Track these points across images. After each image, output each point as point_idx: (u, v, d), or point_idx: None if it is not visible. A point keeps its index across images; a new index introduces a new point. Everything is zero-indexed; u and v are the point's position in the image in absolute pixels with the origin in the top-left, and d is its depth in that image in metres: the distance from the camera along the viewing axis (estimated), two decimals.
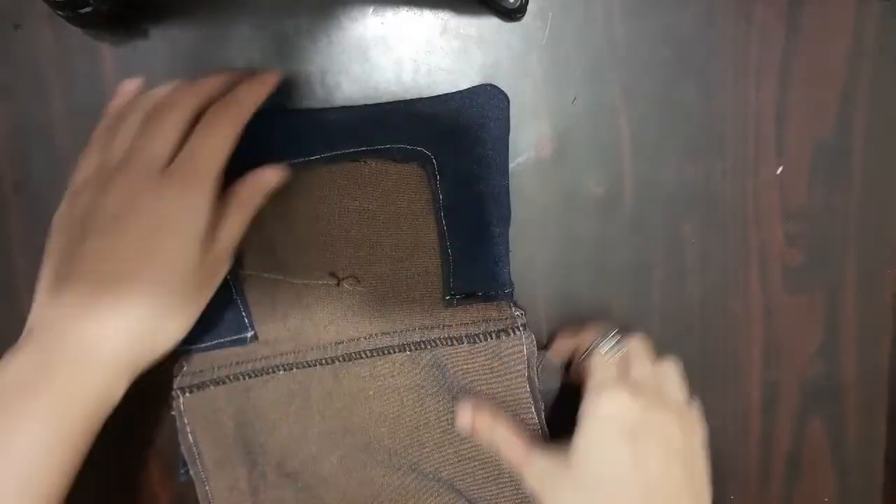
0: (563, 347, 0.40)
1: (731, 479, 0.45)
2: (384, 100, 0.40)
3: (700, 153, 0.43)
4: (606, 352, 0.37)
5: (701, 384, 0.44)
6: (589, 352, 0.37)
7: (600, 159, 0.42)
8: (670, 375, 0.37)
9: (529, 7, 0.40)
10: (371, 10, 0.40)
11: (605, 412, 0.33)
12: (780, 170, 0.43)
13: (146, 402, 0.41)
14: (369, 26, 0.40)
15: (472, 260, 0.39)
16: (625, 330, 0.38)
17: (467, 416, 0.37)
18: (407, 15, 0.40)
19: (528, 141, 0.41)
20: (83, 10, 0.35)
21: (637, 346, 0.37)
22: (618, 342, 0.37)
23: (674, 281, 0.43)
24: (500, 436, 0.36)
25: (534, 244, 0.42)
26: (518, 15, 0.40)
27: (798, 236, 0.44)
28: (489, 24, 0.40)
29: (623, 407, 0.33)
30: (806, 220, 0.44)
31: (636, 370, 0.36)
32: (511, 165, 0.41)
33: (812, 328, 0.45)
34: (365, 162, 0.39)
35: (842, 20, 0.42)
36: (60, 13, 0.35)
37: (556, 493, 0.33)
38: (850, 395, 0.45)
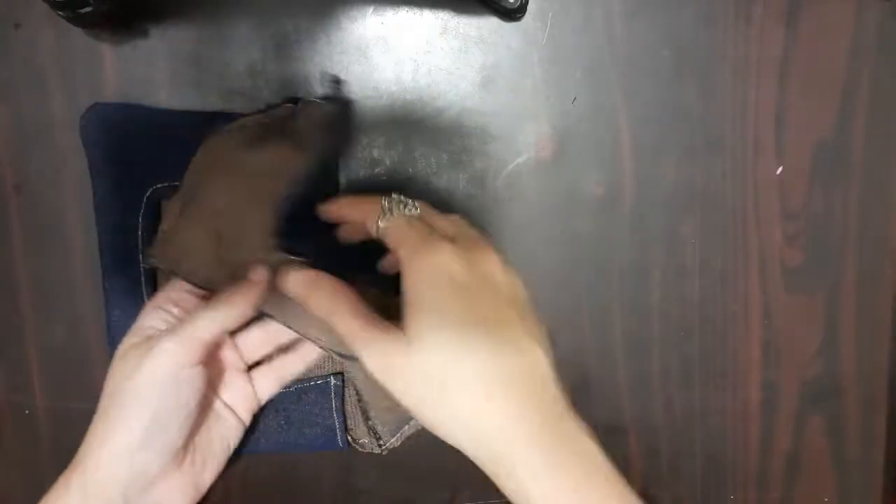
0: (351, 228, 0.36)
1: (731, 479, 0.45)
2: (384, 100, 0.40)
3: (700, 153, 0.43)
4: (403, 213, 0.33)
5: (701, 384, 0.44)
6: (385, 218, 0.33)
7: (600, 159, 0.42)
8: (463, 223, 0.34)
9: (529, 7, 0.40)
10: (371, 10, 0.40)
11: (431, 270, 0.30)
12: (779, 170, 0.43)
13: None
14: (369, 26, 0.40)
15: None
16: None
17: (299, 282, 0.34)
18: (407, 15, 0.40)
19: (528, 141, 0.41)
20: (83, 10, 0.35)
21: (424, 204, 0.34)
22: (408, 203, 0.34)
23: (674, 281, 0.43)
24: (339, 311, 0.32)
25: (534, 244, 0.42)
26: (518, 15, 0.40)
27: (798, 236, 0.44)
28: (489, 24, 0.40)
29: (446, 260, 0.30)
30: (806, 220, 0.44)
31: (437, 223, 0.33)
32: (511, 165, 0.41)
33: (812, 328, 0.45)
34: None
35: (842, 20, 0.42)
36: (60, 13, 0.35)
37: (397, 371, 0.30)
38: (849, 395, 0.45)
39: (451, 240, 0.31)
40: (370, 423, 0.40)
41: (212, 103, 0.39)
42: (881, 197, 0.44)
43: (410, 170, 0.41)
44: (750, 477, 0.46)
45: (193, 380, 0.33)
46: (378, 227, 0.33)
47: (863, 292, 0.45)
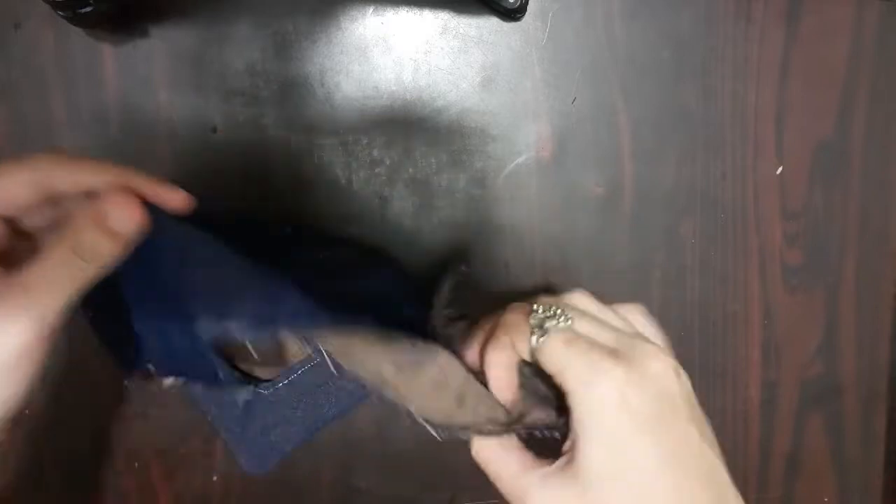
0: (496, 356, 0.29)
1: (731, 478, 0.45)
2: (384, 100, 0.40)
3: (700, 153, 0.43)
4: (557, 328, 0.28)
5: (701, 384, 0.44)
6: (537, 338, 0.28)
7: (600, 159, 0.42)
8: (621, 317, 0.31)
9: (529, 7, 0.40)
10: (371, 10, 0.40)
11: (603, 402, 0.26)
12: (779, 170, 0.43)
13: (146, 402, 0.41)
14: (369, 26, 0.40)
15: None
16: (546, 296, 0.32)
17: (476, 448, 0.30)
18: (407, 15, 0.40)
19: (528, 141, 0.41)
20: (83, 10, 0.35)
21: (582, 301, 0.30)
22: (557, 313, 0.29)
23: (674, 281, 0.43)
24: (495, 462, 0.29)
25: (534, 244, 0.42)
26: (518, 15, 0.40)
27: (798, 236, 0.44)
28: (489, 24, 0.40)
29: (618, 386, 0.26)
30: (806, 220, 0.44)
31: (602, 333, 0.29)
32: (511, 165, 0.41)
33: (812, 328, 0.45)
34: None
35: (842, 20, 0.42)
36: (61, 13, 0.35)
37: None
38: (849, 395, 0.45)
39: (616, 352, 0.27)
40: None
41: (212, 103, 0.39)
42: (881, 197, 0.44)
43: (410, 170, 0.41)
44: (750, 477, 0.46)
45: (36, 357, 0.25)
46: (530, 350, 0.28)
47: (863, 292, 0.45)
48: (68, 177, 0.27)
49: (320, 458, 0.43)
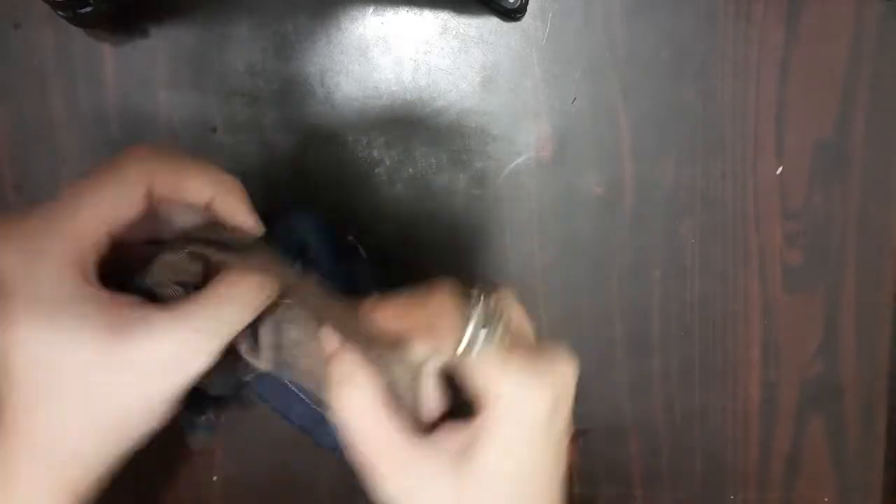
0: (417, 350, 0.26)
1: (731, 479, 0.45)
2: (384, 100, 0.40)
3: (700, 153, 0.43)
4: (494, 339, 0.25)
5: (701, 384, 0.44)
6: (469, 348, 0.25)
7: (600, 159, 0.42)
8: (527, 325, 0.28)
9: (529, 7, 0.40)
10: (371, 10, 0.40)
11: (527, 425, 0.25)
12: (779, 170, 0.43)
13: None
14: (369, 26, 0.40)
15: None
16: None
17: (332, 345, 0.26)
18: (407, 15, 0.40)
19: (528, 141, 0.41)
20: (83, 11, 0.35)
21: (510, 313, 0.26)
22: (497, 317, 0.25)
23: (674, 281, 0.43)
24: (359, 403, 0.25)
25: (534, 244, 0.42)
26: (518, 15, 0.40)
27: (798, 236, 0.44)
28: (489, 24, 0.40)
29: (545, 413, 0.25)
30: (806, 220, 0.44)
31: (522, 337, 0.27)
32: (511, 165, 0.41)
33: (812, 328, 0.45)
34: None
35: (842, 20, 0.42)
36: (61, 13, 0.35)
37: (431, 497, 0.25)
38: (849, 395, 0.45)
39: (544, 371, 0.25)
40: None
41: (212, 103, 0.39)
42: (881, 197, 0.44)
43: (410, 170, 0.41)
44: (750, 477, 0.46)
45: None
46: (457, 356, 0.25)
47: (863, 292, 0.45)
48: (174, 188, 0.25)
49: (320, 457, 0.43)
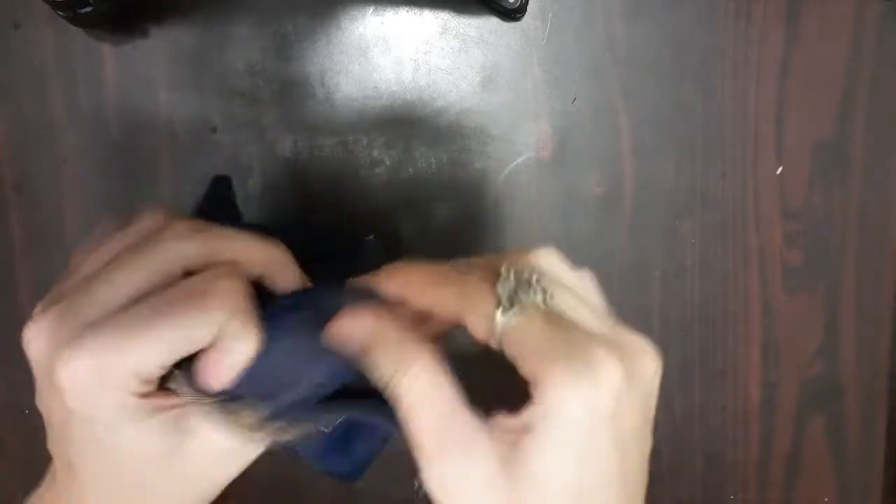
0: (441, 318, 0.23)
1: (731, 479, 0.45)
2: (384, 100, 0.40)
3: (700, 153, 0.43)
4: (535, 301, 0.22)
5: (701, 384, 0.44)
6: (506, 312, 0.21)
7: (600, 159, 0.42)
8: (588, 284, 0.25)
9: (529, 7, 0.40)
10: (371, 10, 0.40)
11: (594, 414, 0.20)
12: (779, 170, 0.43)
13: None
14: (369, 26, 0.40)
15: None
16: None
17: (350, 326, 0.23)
18: (407, 15, 0.40)
19: (528, 141, 0.41)
20: (83, 11, 0.35)
21: (555, 266, 0.24)
22: (535, 283, 0.22)
23: (674, 281, 0.43)
24: (424, 391, 0.22)
25: (534, 244, 0.42)
26: (518, 15, 0.40)
27: (798, 236, 0.44)
28: (489, 24, 0.40)
29: (619, 397, 0.21)
30: (806, 220, 0.44)
31: (583, 312, 0.23)
32: (511, 165, 0.41)
33: (812, 328, 0.45)
34: None
35: (842, 20, 0.42)
36: (61, 13, 0.35)
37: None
38: (849, 395, 0.45)
39: (608, 342, 0.22)
40: None
41: (212, 103, 0.39)
42: (881, 197, 0.44)
43: (410, 170, 0.41)
44: (750, 477, 0.46)
45: None
46: (494, 328, 0.21)
47: (863, 292, 0.45)
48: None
49: None
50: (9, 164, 0.40)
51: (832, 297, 0.45)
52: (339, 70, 0.40)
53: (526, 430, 0.20)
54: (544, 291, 0.22)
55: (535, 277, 0.22)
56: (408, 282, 0.23)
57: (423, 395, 0.22)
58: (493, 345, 0.22)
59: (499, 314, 0.21)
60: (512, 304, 0.21)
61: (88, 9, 0.35)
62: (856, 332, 0.45)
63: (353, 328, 0.22)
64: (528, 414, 0.20)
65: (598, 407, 0.20)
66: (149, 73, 0.39)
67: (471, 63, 0.41)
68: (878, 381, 0.45)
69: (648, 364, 0.23)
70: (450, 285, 0.22)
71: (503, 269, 0.22)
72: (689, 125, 0.42)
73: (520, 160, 0.42)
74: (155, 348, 0.21)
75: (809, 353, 0.45)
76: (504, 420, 0.21)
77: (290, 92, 0.40)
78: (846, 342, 0.45)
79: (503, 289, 0.22)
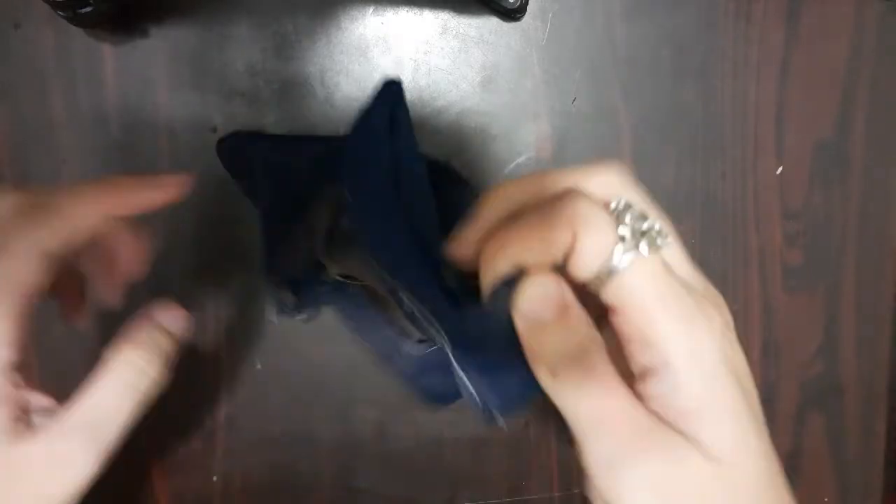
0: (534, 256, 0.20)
1: None
2: None
3: (700, 153, 0.43)
4: (656, 244, 0.20)
5: None
6: (625, 253, 0.19)
7: (600, 159, 0.42)
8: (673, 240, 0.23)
9: (529, 7, 0.40)
10: (371, 10, 0.40)
11: (716, 360, 0.21)
12: (779, 170, 0.43)
13: None
14: (369, 26, 0.40)
15: None
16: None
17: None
18: (407, 15, 0.40)
19: (528, 141, 0.41)
20: (83, 11, 0.35)
21: (646, 201, 0.22)
22: (654, 226, 0.20)
23: None
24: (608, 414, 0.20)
25: None
26: (518, 15, 0.40)
27: (798, 236, 0.44)
28: (489, 24, 0.40)
29: (723, 339, 0.21)
30: (806, 220, 0.44)
31: (681, 260, 0.23)
32: (511, 166, 0.41)
33: (812, 328, 0.45)
34: None
35: (842, 20, 0.42)
36: (61, 13, 0.35)
37: (691, 491, 0.20)
38: (850, 395, 0.45)
39: (707, 299, 0.22)
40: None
41: (212, 103, 0.39)
42: (881, 197, 0.44)
43: None
44: None
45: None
46: (608, 269, 0.19)
47: (863, 292, 0.45)
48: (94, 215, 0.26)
49: (320, 458, 0.43)
50: (9, 164, 0.40)
51: (832, 297, 0.45)
52: (339, 70, 0.40)
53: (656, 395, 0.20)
54: (660, 233, 0.20)
55: (653, 220, 0.20)
56: (508, 196, 0.21)
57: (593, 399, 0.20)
58: (591, 285, 0.20)
59: (619, 252, 0.19)
60: (637, 244, 0.19)
61: (88, 9, 0.35)
62: (856, 332, 0.45)
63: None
64: (653, 380, 0.20)
65: (720, 358, 0.20)
66: (149, 73, 0.39)
67: (471, 63, 0.41)
68: (878, 381, 0.45)
69: (729, 314, 0.23)
70: (560, 205, 0.19)
71: (614, 200, 0.20)
72: (689, 125, 0.42)
73: (520, 160, 0.42)
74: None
75: (809, 353, 0.45)
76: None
77: (290, 92, 0.40)
78: (846, 342, 0.45)
79: (626, 222, 0.19)
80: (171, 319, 0.28)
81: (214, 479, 0.42)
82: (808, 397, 0.45)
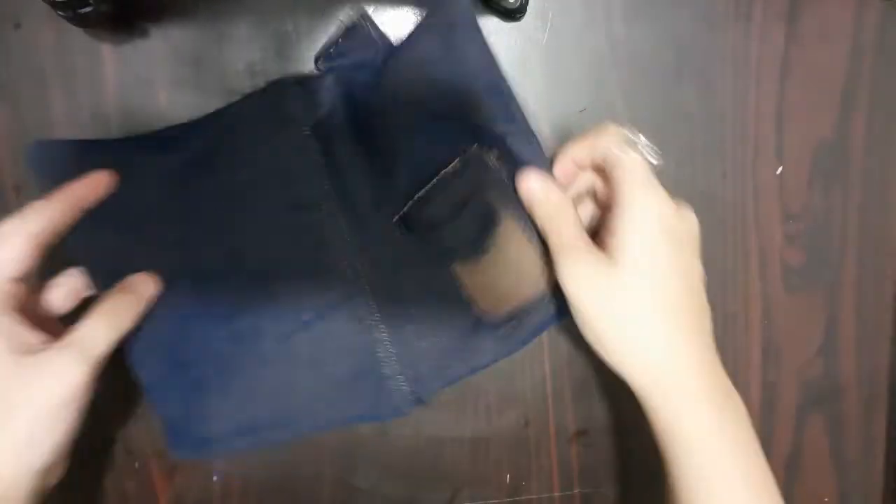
0: (578, 153, 0.36)
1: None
2: None
3: (700, 153, 0.43)
4: (644, 154, 0.35)
5: None
6: (626, 149, 0.34)
7: None
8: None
9: (529, 7, 0.40)
10: (371, 10, 0.40)
11: (652, 211, 0.33)
12: (779, 170, 0.43)
13: (146, 402, 0.41)
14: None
15: None
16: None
17: (536, 182, 0.35)
18: (407, 15, 0.40)
19: None
20: (83, 10, 0.35)
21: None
22: (651, 149, 0.35)
23: None
24: (557, 211, 0.35)
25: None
26: (518, 15, 0.40)
27: (798, 236, 0.44)
28: (489, 24, 0.40)
29: (666, 207, 0.33)
30: (806, 220, 0.44)
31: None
32: None
33: (812, 328, 0.45)
34: None
35: (842, 20, 0.42)
36: (61, 13, 0.35)
37: (595, 286, 0.33)
38: (850, 395, 0.45)
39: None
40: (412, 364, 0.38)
41: (212, 103, 0.39)
42: (881, 197, 0.44)
43: None
44: None
45: (88, 392, 0.32)
46: (613, 153, 0.34)
47: (863, 292, 0.45)
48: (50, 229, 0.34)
49: (320, 458, 0.43)
50: (9, 164, 0.40)
51: (832, 297, 0.45)
52: None
53: (621, 235, 0.33)
54: (651, 153, 0.35)
55: (651, 145, 0.35)
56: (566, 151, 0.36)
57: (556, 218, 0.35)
58: (607, 166, 0.35)
59: (624, 148, 0.34)
60: (635, 149, 0.34)
61: (88, 9, 0.35)
62: (856, 332, 0.45)
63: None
64: (621, 219, 0.33)
65: (664, 214, 0.33)
66: (149, 73, 0.39)
67: None
68: (878, 381, 0.45)
69: (693, 217, 0.35)
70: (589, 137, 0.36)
71: (625, 129, 0.35)
72: (689, 125, 0.42)
73: None
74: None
75: (809, 353, 0.45)
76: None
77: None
78: (846, 342, 0.45)
79: (638, 142, 0.35)
80: (142, 283, 0.36)
81: (214, 479, 0.42)
82: (808, 397, 0.45)
